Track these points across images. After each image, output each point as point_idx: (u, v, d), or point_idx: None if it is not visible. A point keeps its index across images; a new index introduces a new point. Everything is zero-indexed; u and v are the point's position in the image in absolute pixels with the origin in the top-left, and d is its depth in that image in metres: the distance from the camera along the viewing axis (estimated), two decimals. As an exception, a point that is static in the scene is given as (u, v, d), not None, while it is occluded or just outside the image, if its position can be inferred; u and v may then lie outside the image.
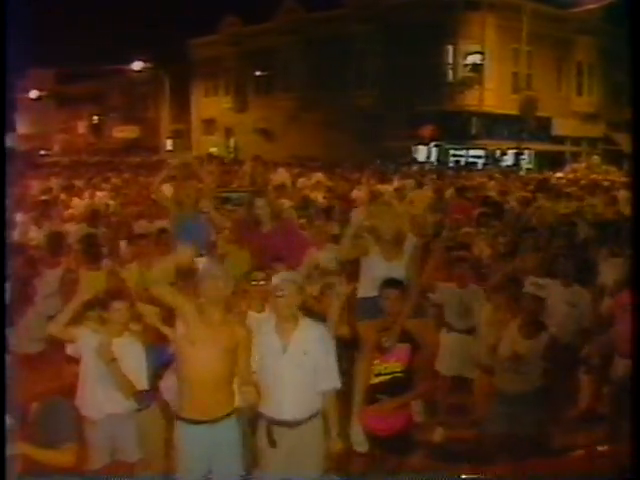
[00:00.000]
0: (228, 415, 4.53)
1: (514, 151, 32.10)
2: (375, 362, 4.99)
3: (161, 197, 7.70)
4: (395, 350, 4.99)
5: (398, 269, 5.81)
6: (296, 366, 4.55)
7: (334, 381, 4.65)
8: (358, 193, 13.81)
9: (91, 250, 7.24)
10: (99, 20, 66.67)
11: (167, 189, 7.64)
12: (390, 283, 5.21)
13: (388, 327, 5.07)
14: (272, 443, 4.57)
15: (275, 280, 4.67)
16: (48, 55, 62.43)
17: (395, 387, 4.95)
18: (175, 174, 6.90)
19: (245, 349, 4.54)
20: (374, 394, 4.98)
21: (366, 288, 5.93)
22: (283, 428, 4.56)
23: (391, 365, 4.97)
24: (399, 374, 4.95)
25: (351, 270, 6.33)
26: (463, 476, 4.00)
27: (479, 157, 34.31)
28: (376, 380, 4.97)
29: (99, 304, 5.09)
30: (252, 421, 4.82)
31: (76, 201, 12.63)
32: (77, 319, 4.97)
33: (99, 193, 13.78)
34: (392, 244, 5.96)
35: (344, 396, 5.03)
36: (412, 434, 5.24)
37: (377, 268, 5.88)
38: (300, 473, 4.64)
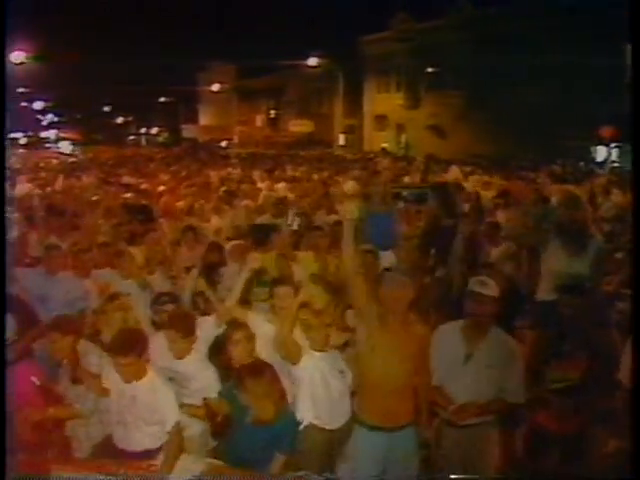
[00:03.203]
0: (407, 425, 4.43)
1: None
2: (552, 369, 4.92)
3: (349, 190, 7.75)
4: (572, 358, 4.90)
5: (580, 266, 5.60)
6: (476, 377, 4.48)
7: (519, 398, 4.55)
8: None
9: (268, 239, 7.48)
10: (278, 18, 69.07)
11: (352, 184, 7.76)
12: (571, 289, 5.08)
13: (565, 334, 4.97)
14: (438, 441, 4.60)
15: (474, 283, 4.49)
16: (231, 50, 65.54)
17: (570, 395, 4.84)
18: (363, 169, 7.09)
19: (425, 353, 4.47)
20: (548, 399, 4.91)
21: (546, 290, 5.78)
22: (452, 428, 4.58)
23: (568, 373, 4.88)
24: (575, 382, 4.85)
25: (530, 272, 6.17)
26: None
27: (664, 160, 32.10)
28: (552, 387, 4.88)
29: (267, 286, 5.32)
30: None
31: (256, 192, 12.86)
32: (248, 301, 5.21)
33: (277, 185, 14.25)
34: (575, 239, 5.71)
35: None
36: (583, 440, 5.14)
37: (557, 262, 5.71)
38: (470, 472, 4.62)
